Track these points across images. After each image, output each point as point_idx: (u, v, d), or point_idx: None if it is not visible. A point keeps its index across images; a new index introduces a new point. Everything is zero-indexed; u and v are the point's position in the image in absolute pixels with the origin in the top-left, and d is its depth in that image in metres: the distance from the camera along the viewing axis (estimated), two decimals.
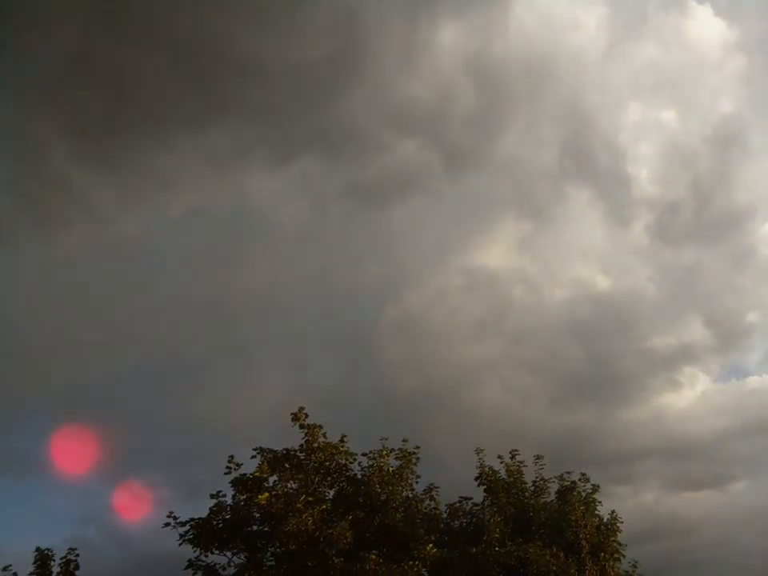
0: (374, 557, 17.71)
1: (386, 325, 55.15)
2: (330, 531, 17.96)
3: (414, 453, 20.21)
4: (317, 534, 18.00)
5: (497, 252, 62.51)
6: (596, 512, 21.35)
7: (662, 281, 62.69)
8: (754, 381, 58.70)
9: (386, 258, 62.62)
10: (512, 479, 21.40)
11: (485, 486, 21.20)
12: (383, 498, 19.21)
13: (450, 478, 20.77)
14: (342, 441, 19.77)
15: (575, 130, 66.36)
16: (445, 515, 20.37)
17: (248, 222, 61.88)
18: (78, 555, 19.23)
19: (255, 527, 18.94)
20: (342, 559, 17.88)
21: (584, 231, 67.37)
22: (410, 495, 19.82)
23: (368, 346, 52.91)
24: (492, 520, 19.57)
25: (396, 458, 20.03)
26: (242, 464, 19.28)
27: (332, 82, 57.11)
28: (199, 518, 18.83)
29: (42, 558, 18.98)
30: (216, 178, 59.39)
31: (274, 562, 18.54)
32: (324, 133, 59.99)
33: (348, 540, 17.95)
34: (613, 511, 21.58)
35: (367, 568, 17.44)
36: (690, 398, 55.29)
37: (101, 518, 33.60)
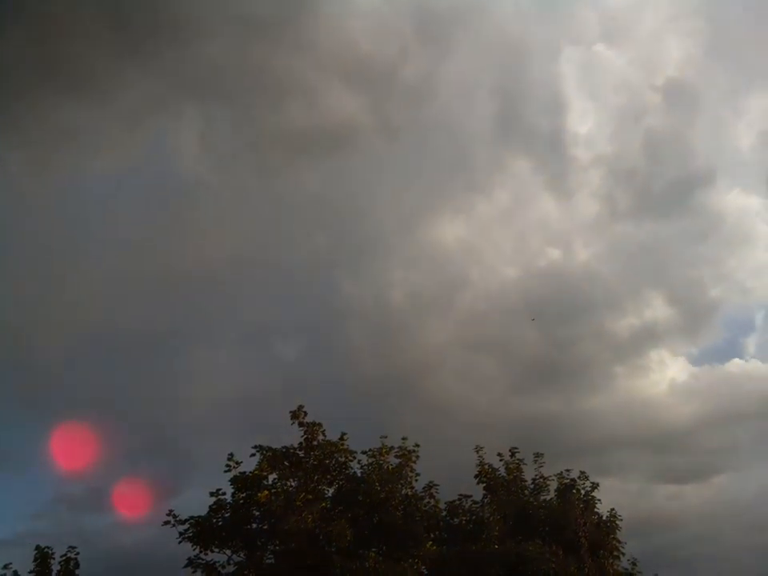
0: (373, 554, 17.80)
1: (342, 305, 52.27)
2: (330, 529, 17.97)
3: (414, 451, 20.21)
4: (316, 531, 18.03)
5: (443, 227, 59.17)
6: (595, 510, 21.42)
7: (616, 254, 58.75)
8: (734, 364, 55.79)
9: (335, 233, 59.20)
10: (511, 477, 21.45)
11: (484, 484, 21.24)
12: (383, 495, 19.20)
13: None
14: (341, 439, 19.80)
15: (512, 85, 62.04)
16: (444, 513, 20.39)
17: (175, 184, 56.89)
18: (78, 554, 19.33)
19: (255, 525, 18.96)
20: (341, 557, 17.87)
21: (529, 201, 63.18)
22: (410, 493, 19.81)
23: (327, 327, 50.66)
24: (492, 518, 19.62)
25: (396, 456, 20.05)
26: (241, 462, 19.32)
27: (269, 34, 54.31)
28: (198, 516, 18.89)
29: (42, 557, 19.04)
30: (137, 135, 55.13)
31: (273, 560, 18.56)
32: (258, 86, 56.88)
33: (347, 538, 17.95)
34: (612, 509, 21.67)
35: (367, 566, 17.47)
36: (662, 384, 52.15)
37: (55, 511, 33.79)
